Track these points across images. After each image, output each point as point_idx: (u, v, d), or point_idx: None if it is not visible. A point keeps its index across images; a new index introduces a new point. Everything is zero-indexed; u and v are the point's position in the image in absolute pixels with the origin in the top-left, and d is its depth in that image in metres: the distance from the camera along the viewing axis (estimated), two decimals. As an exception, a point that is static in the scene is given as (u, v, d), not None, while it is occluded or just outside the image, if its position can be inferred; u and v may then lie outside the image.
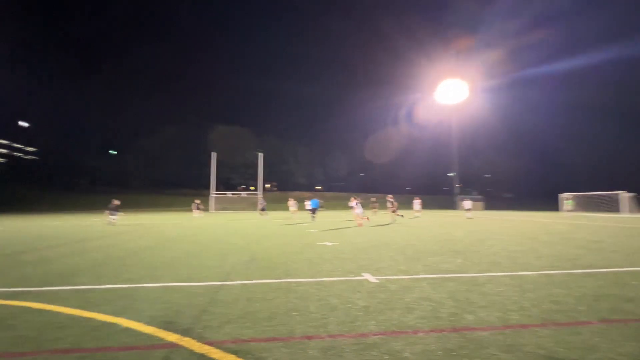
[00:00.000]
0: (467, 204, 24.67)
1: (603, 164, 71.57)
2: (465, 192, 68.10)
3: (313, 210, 20.06)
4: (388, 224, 17.18)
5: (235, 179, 74.48)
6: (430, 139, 76.09)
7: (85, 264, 6.66)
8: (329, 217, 25.82)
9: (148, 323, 3.39)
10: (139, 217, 26.12)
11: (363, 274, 5.55)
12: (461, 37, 74.62)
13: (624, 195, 28.53)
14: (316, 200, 20.89)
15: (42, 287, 4.86)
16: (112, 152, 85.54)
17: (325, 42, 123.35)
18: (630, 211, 28.31)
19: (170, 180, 73.76)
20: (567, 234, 12.16)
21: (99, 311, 3.75)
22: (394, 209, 19.00)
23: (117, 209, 18.81)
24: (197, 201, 27.92)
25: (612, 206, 29.74)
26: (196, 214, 27.25)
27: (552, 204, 45.68)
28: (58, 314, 3.70)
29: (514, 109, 75.09)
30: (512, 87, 76.07)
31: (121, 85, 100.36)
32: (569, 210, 29.38)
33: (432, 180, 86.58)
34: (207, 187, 46.91)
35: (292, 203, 22.66)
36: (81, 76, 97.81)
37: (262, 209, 26.56)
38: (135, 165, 72.33)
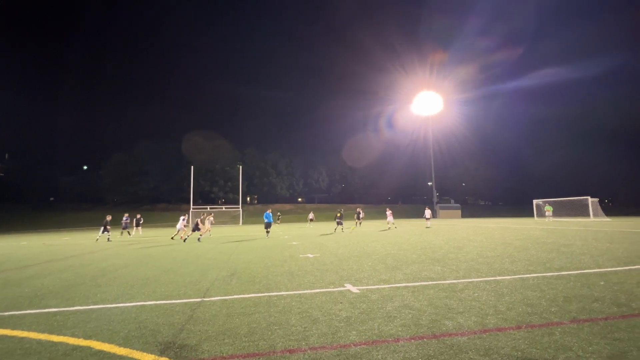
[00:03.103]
0: (427, 213, 24.33)
1: (569, 172, 75.50)
2: (444, 200, 69.75)
3: (267, 225, 17.51)
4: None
5: (215, 193, 73.07)
6: (409, 149, 77.83)
7: (55, 285, 6.32)
8: (310, 229, 25.74)
9: (122, 344, 3.25)
10: (113, 235, 25.07)
11: (345, 284, 5.56)
12: (437, 52, 77.67)
13: (590, 201, 30.05)
14: (269, 214, 17.92)
15: (6, 311, 4.57)
16: (84, 167, 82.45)
17: (305, 55, 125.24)
18: (596, 215, 29.81)
19: (148, 195, 71.52)
20: (540, 238, 12.63)
21: (69, 334, 3.57)
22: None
23: (109, 224, 18.75)
24: (138, 215, 25.89)
25: (579, 211, 31.26)
26: (139, 231, 25.20)
27: (525, 211, 47.48)
28: (24, 339, 3.49)
29: (487, 121, 78.42)
30: (485, 101, 79.70)
31: (95, 99, 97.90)
32: (549, 216, 30.81)
33: (411, 189, 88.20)
34: (186, 201, 45.85)
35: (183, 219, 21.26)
36: (51, 89, 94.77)
37: (124, 228, 21.91)
38: (110, 180, 69.72)
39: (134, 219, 25.61)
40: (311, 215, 33.90)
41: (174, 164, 70.76)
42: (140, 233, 25.06)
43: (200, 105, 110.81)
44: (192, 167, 46.09)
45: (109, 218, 18.88)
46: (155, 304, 4.71)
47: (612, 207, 58.72)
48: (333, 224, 33.53)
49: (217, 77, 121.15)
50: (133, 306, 4.65)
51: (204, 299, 4.89)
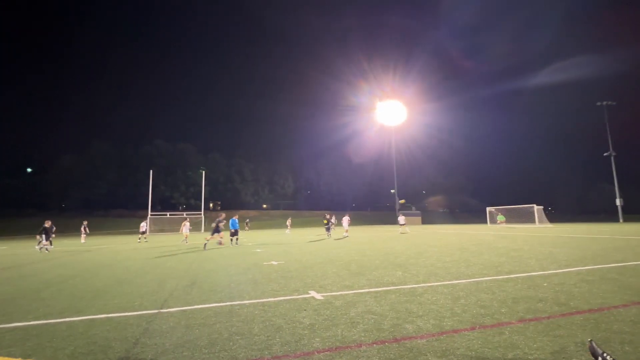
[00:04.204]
0: (401, 219, 25.93)
1: (518, 181, 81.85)
2: (406, 207, 72.22)
3: (234, 232, 16.81)
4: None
5: (176, 198, 70.02)
6: (374, 158, 79.87)
7: (-11, 300, 5.70)
8: (277, 236, 25.47)
9: (68, 362, 3.01)
10: (60, 243, 23.14)
11: (309, 291, 5.55)
12: (400, 64, 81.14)
13: (536, 208, 32.55)
14: (236, 220, 17.14)
15: None
16: (28, 170, 75.54)
17: (269, 61, 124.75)
18: (540, 222, 32.34)
19: (101, 200, 66.93)
20: (492, 243, 13.45)
21: (4, 354, 3.24)
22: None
23: (49, 231, 16.28)
24: (85, 222, 24.13)
25: (527, 217, 33.71)
26: (83, 239, 23.64)
27: (479, 217, 50.45)
28: (-51, 362, 3.11)
29: (445, 132, 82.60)
30: (445, 112, 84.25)
31: (42, 95, 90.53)
32: (500, 223, 32.85)
33: (375, 196, 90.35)
34: (144, 207, 43.53)
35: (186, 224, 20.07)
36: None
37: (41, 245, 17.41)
38: (58, 184, 64.42)
39: (82, 227, 23.93)
40: (289, 222, 33.75)
41: (132, 167, 67.03)
42: (83, 241, 23.41)
43: (161, 107, 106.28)
44: (151, 171, 43.96)
45: (47, 224, 16.48)
46: (106, 317, 4.41)
47: (554, 214, 63.92)
48: (306, 231, 33.43)
49: (180, 79, 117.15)
50: (81, 320, 4.31)
51: (161, 311, 4.66)
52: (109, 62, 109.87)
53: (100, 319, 4.37)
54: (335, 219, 29.27)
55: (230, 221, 17.13)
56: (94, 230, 44.72)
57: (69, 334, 3.78)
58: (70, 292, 6.13)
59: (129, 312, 4.65)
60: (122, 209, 65.97)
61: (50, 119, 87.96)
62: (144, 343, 3.43)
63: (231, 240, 16.66)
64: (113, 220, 58.20)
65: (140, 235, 23.65)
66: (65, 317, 4.46)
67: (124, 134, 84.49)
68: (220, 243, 15.89)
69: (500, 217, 33.68)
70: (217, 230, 15.80)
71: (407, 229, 26.30)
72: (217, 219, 16.12)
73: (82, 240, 23.49)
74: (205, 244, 14.96)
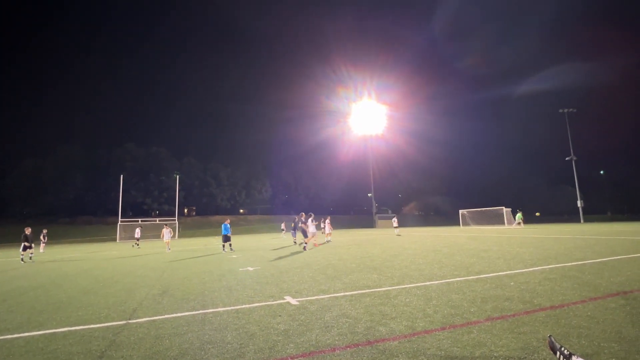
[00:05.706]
0: (394, 222, 27.57)
1: (488, 185, 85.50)
2: (382, 211, 73.41)
3: (225, 238, 15.99)
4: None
5: (149, 204, 67.57)
6: (351, 162, 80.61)
7: (-64, 316, 5.27)
8: (253, 241, 25.14)
9: (25, 380, 2.83)
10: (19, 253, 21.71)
11: (284, 297, 5.52)
12: (377, 69, 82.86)
13: (505, 210, 34.02)
14: (227, 225, 16.33)
15: None
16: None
17: (245, 64, 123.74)
18: (509, 223, 33.81)
19: (67, 206, 63.50)
20: (464, 245, 13.90)
21: (-48, 374, 3.00)
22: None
23: (30, 239, 15.15)
24: (44, 230, 22.86)
25: (496, 219, 35.15)
26: (42, 248, 22.28)
27: (452, 220, 52.03)
28: None
29: (422, 137, 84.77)
30: (422, 118, 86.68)
31: (2, 95, 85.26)
32: (518, 223, 32.97)
33: (353, 200, 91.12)
34: (114, 213, 41.75)
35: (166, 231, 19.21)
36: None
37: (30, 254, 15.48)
38: (19, 189, 60.61)
39: (41, 235, 22.62)
40: (283, 225, 33.64)
41: (101, 172, 64.16)
42: (42, 251, 22.07)
43: (133, 109, 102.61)
44: (121, 175, 42.30)
45: (28, 231, 15.33)
46: (68, 331, 4.18)
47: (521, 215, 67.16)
48: (285, 235, 33.04)
49: (153, 81, 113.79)
50: (41, 335, 4.07)
51: (130, 321, 4.48)
52: (76, 62, 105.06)
53: (63, 332, 4.14)
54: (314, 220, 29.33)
55: (223, 226, 16.31)
56: (59, 238, 42.35)
57: (26, 350, 3.56)
58: (30, 305, 5.78)
59: (94, 324, 4.44)
60: (90, 215, 62.93)
61: (12, 121, 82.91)
62: (110, 356, 3.29)
63: (223, 246, 15.97)
64: (79, 227, 55.44)
65: (136, 241, 24.26)
66: (23, 332, 4.20)
67: (93, 137, 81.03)
68: (304, 248, 14.86)
69: (518, 217, 31.83)
70: (304, 232, 15.45)
71: (397, 231, 27.79)
72: (300, 220, 15.47)
73: (41, 250, 22.16)
74: (304, 246, 15.01)
